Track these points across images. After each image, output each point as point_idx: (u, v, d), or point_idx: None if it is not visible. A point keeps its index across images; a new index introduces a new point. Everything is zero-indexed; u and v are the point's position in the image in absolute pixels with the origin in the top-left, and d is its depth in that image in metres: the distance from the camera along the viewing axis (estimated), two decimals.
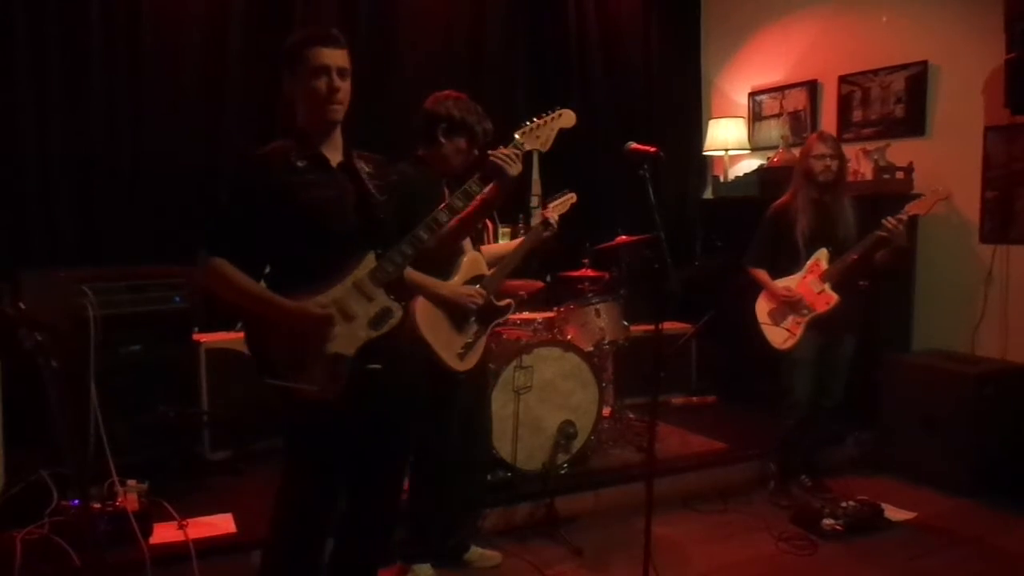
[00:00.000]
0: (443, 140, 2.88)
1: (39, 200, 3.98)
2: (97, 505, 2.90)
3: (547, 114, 2.44)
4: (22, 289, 3.31)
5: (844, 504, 3.58)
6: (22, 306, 2.54)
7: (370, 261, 2.22)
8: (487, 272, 3.05)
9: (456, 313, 2.91)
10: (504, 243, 4.03)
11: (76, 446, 3.03)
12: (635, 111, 5.69)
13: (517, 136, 2.39)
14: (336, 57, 2.21)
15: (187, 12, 4.31)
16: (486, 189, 2.37)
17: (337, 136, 2.30)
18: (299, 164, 2.20)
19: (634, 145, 2.76)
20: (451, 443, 3.01)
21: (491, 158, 2.35)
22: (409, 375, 2.47)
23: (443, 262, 2.88)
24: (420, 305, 2.83)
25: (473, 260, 3.02)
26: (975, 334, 4.30)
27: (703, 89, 6.06)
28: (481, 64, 5.21)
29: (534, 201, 5.24)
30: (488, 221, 4.16)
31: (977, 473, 3.91)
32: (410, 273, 2.51)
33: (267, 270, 2.25)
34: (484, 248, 3.23)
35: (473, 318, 2.96)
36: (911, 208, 3.53)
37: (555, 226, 3.24)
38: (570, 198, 3.39)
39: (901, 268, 3.83)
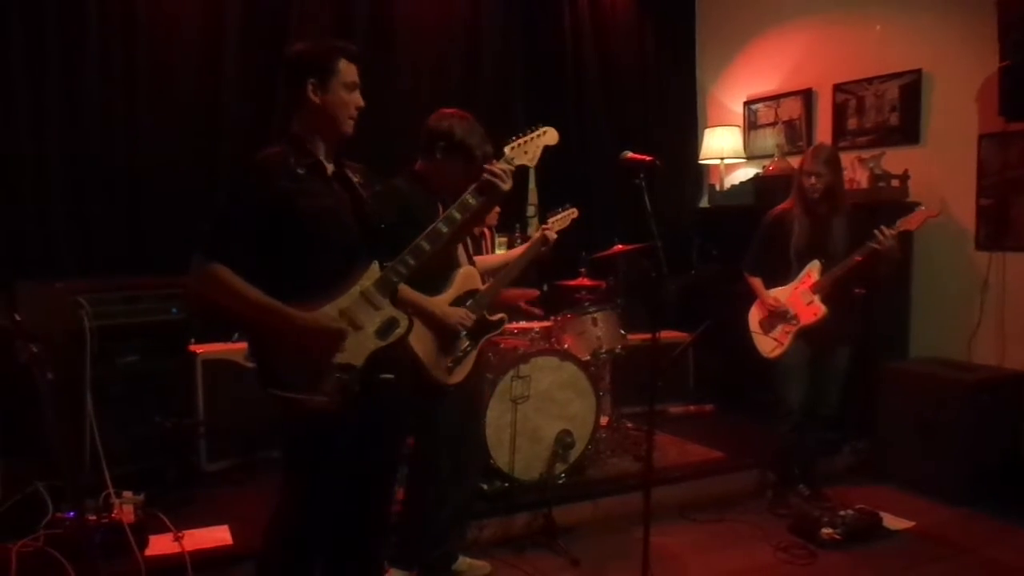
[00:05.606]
0: (440, 158, 2.85)
1: (36, 211, 3.99)
2: (93, 517, 2.89)
3: (532, 130, 2.47)
4: (18, 300, 3.29)
5: (842, 513, 3.57)
6: (18, 317, 2.54)
7: (375, 271, 2.22)
8: (480, 287, 3.03)
9: (445, 331, 2.89)
10: (500, 254, 4.02)
11: (72, 458, 3.03)
12: (631, 120, 5.71)
13: (507, 151, 2.42)
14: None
15: (183, 21, 4.33)
16: (481, 201, 2.39)
17: (331, 146, 2.30)
18: (299, 171, 2.18)
19: (630, 154, 2.78)
20: (441, 453, 3.00)
21: (486, 174, 2.36)
22: (406, 385, 2.47)
23: (438, 275, 2.87)
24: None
25: (467, 275, 2.99)
26: (971, 342, 4.30)
27: (698, 98, 6.08)
28: (477, 76, 5.23)
29: (531, 211, 5.25)
30: (486, 231, 4.17)
31: (974, 482, 3.90)
32: (401, 289, 2.51)
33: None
34: (480, 259, 3.22)
35: (464, 334, 2.95)
36: (903, 224, 3.53)
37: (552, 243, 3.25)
38: (571, 213, 3.40)
39: (890, 278, 3.85)
